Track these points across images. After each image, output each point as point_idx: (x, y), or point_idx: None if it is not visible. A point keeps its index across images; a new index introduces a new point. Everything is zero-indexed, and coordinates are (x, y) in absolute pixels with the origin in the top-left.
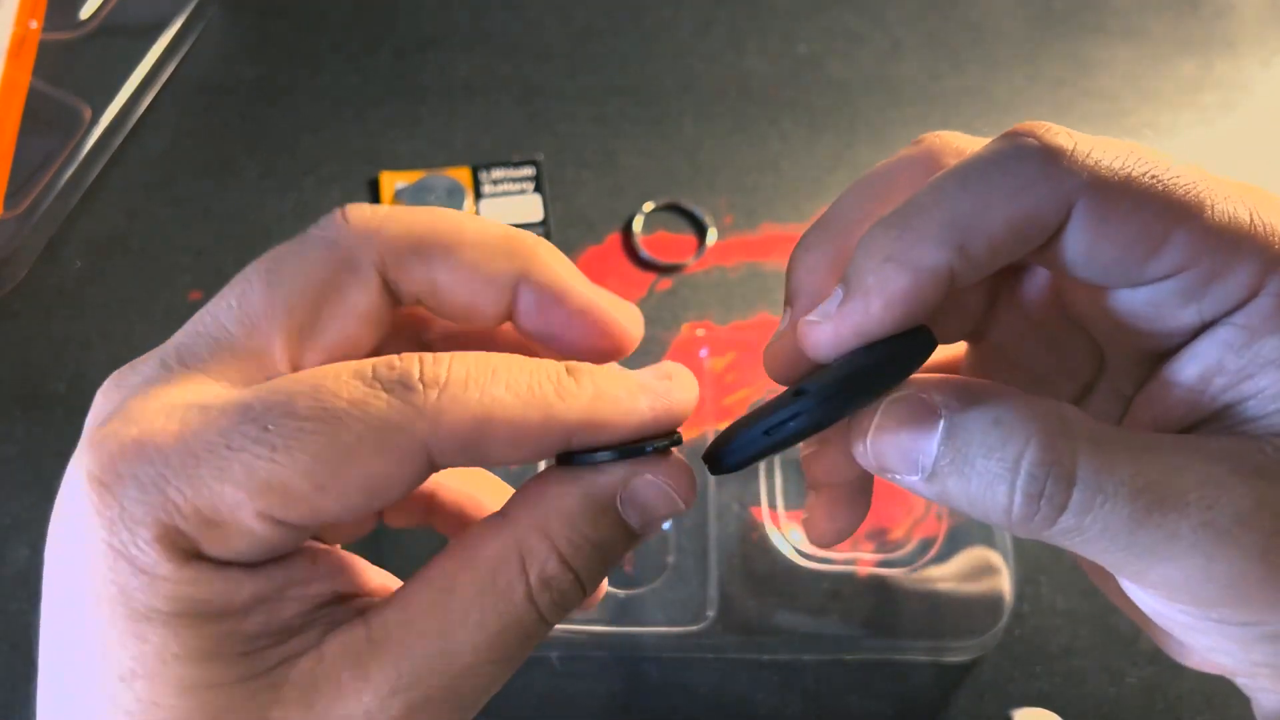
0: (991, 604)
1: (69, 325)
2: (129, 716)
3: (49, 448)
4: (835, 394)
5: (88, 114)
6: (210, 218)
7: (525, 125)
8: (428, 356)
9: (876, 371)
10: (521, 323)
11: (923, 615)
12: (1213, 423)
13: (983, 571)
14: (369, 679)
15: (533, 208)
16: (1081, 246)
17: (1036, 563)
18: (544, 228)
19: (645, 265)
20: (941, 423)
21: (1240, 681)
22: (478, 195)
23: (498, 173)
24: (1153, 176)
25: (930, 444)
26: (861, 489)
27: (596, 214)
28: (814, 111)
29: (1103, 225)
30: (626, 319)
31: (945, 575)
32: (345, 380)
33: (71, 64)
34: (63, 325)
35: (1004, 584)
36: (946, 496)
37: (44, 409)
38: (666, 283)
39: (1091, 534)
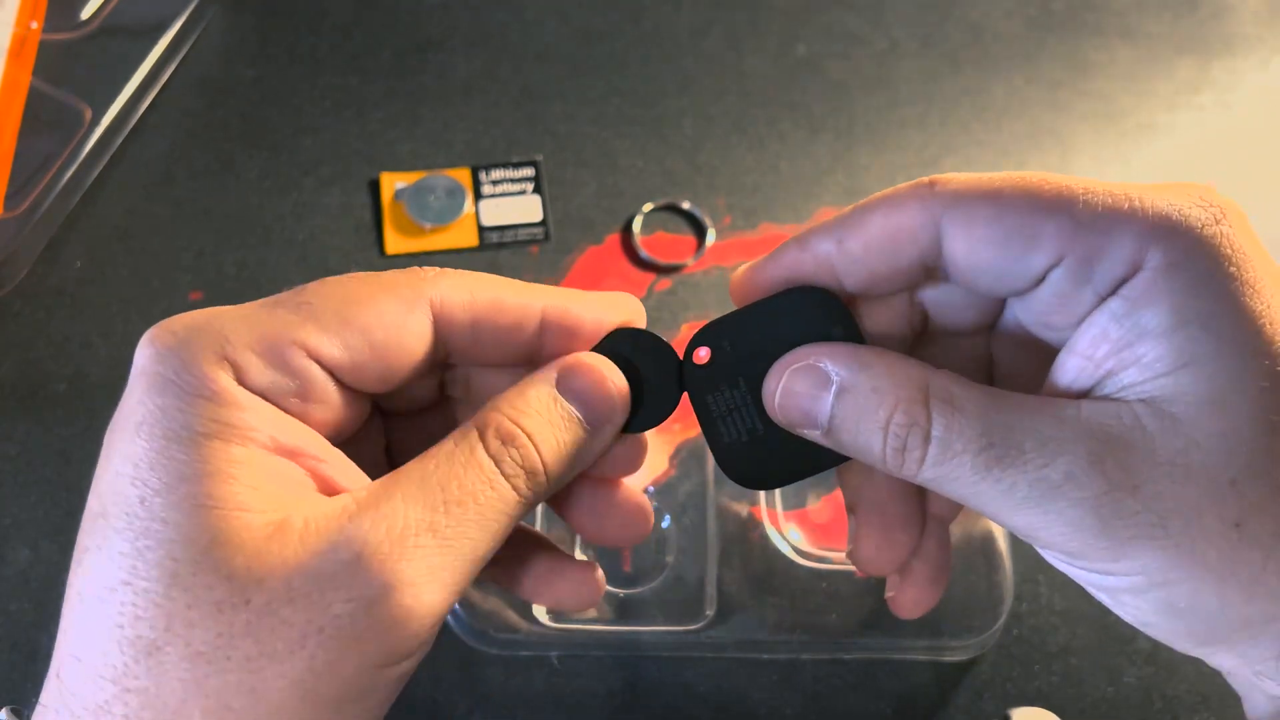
0: (990, 603)
1: (69, 325)
2: (140, 535)
3: (49, 448)
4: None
5: (88, 114)
6: (210, 218)
7: (525, 126)
8: None
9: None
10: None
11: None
12: (1098, 389)
13: (981, 571)
14: (353, 520)
15: (532, 208)
16: (960, 255)
17: (1035, 562)
18: (543, 228)
19: (644, 265)
20: (834, 387)
21: (1232, 680)
22: (477, 196)
23: (497, 173)
24: (1014, 185)
25: (825, 405)
26: (910, 512)
27: (596, 214)
28: (813, 112)
29: (970, 231)
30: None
31: None
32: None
33: (72, 64)
34: (63, 325)
35: (1002, 583)
36: (841, 446)
37: (44, 409)
38: (666, 283)
39: (948, 482)
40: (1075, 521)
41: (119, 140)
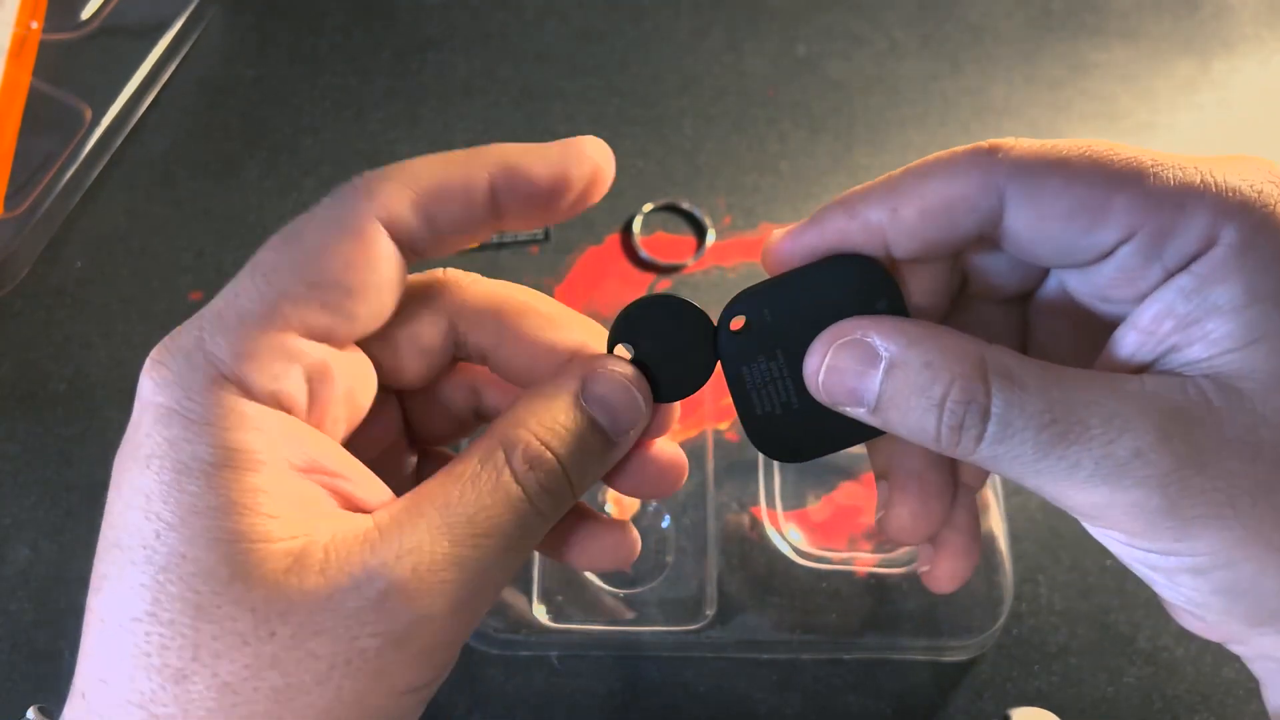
0: (990, 603)
1: (69, 325)
2: (160, 570)
3: (49, 448)
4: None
5: (88, 114)
6: (210, 218)
7: (525, 126)
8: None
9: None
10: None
11: (921, 614)
12: (1160, 363)
13: (981, 571)
14: (376, 552)
15: None
16: (1023, 226)
17: (1035, 562)
18: (543, 229)
19: (645, 266)
20: (882, 364)
21: (1256, 666)
22: None
23: None
24: (1082, 155)
25: (874, 382)
26: (944, 480)
27: (596, 214)
28: (813, 112)
29: (1035, 203)
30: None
31: None
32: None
33: (72, 64)
34: (63, 325)
35: (1002, 583)
36: (889, 425)
37: (44, 409)
38: (666, 283)
39: (1007, 461)
40: (1141, 501)
41: (119, 140)
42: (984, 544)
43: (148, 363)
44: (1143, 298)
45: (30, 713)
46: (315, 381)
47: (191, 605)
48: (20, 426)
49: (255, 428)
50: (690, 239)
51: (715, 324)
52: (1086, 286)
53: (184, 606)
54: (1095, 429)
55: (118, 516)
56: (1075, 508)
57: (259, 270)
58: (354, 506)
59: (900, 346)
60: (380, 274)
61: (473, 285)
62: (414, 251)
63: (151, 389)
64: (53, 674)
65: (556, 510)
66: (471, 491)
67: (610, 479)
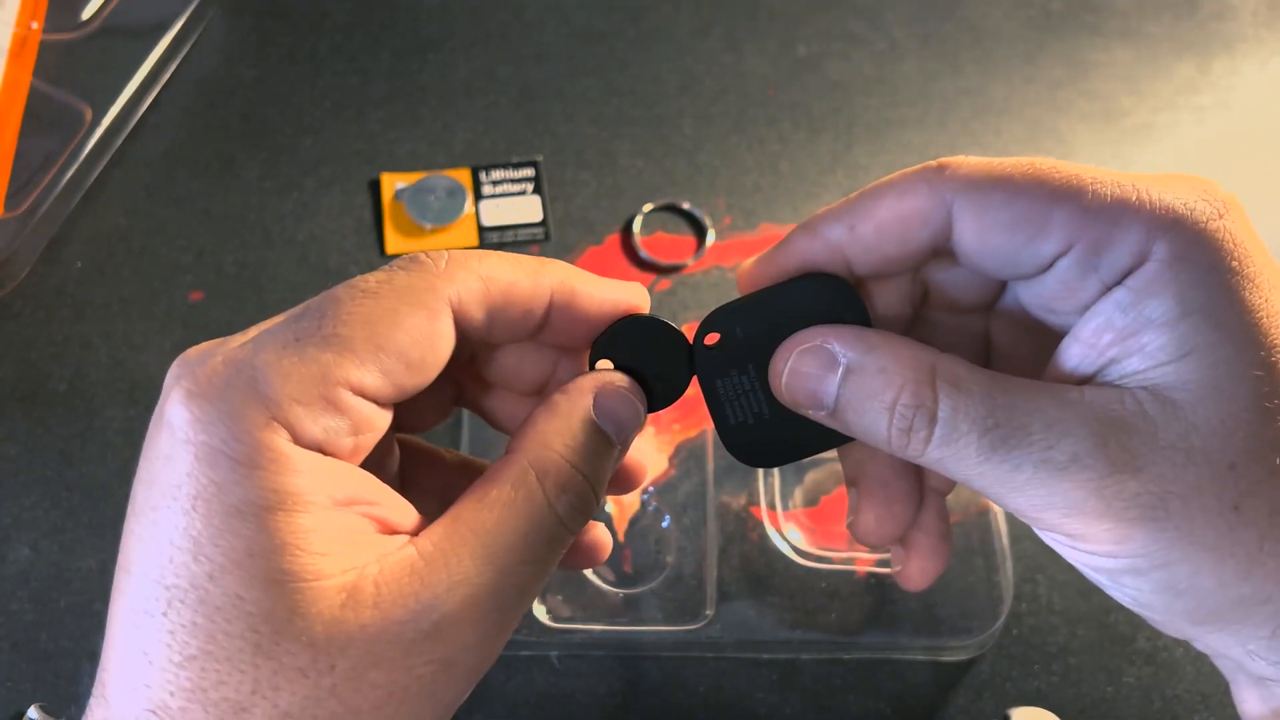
0: (989, 603)
1: (69, 325)
2: (216, 610)
3: (50, 448)
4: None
5: (89, 114)
6: (210, 218)
7: (525, 126)
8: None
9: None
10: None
11: (920, 614)
12: (1100, 375)
13: (981, 571)
14: (426, 584)
15: (532, 209)
16: (970, 238)
17: (1034, 562)
18: (543, 228)
19: (645, 266)
20: (840, 369)
21: (1219, 663)
22: (477, 196)
23: (497, 174)
24: (1025, 172)
25: (832, 386)
26: (909, 486)
27: (596, 215)
28: (812, 113)
29: (980, 216)
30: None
31: (943, 575)
32: (366, 275)
33: (72, 64)
34: (63, 325)
35: (1002, 583)
36: (846, 427)
37: (45, 409)
38: (666, 283)
39: (953, 463)
40: (1079, 503)
41: (119, 140)
42: (984, 544)
43: (182, 391)
44: (1084, 309)
45: (32, 711)
46: (359, 433)
47: (250, 644)
48: (20, 426)
49: (303, 471)
50: (690, 239)
51: (690, 341)
52: (1034, 298)
53: (243, 645)
54: (1036, 434)
55: (159, 555)
56: (1019, 509)
57: (329, 317)
58: (389, 529)
59: (857, 353)
60: (439, 355)
61: (468, 287)
62: (465, 342)
63: (192, 425)
64: (53, 674)
65: (583, 525)
66: (510, 519)
67: None
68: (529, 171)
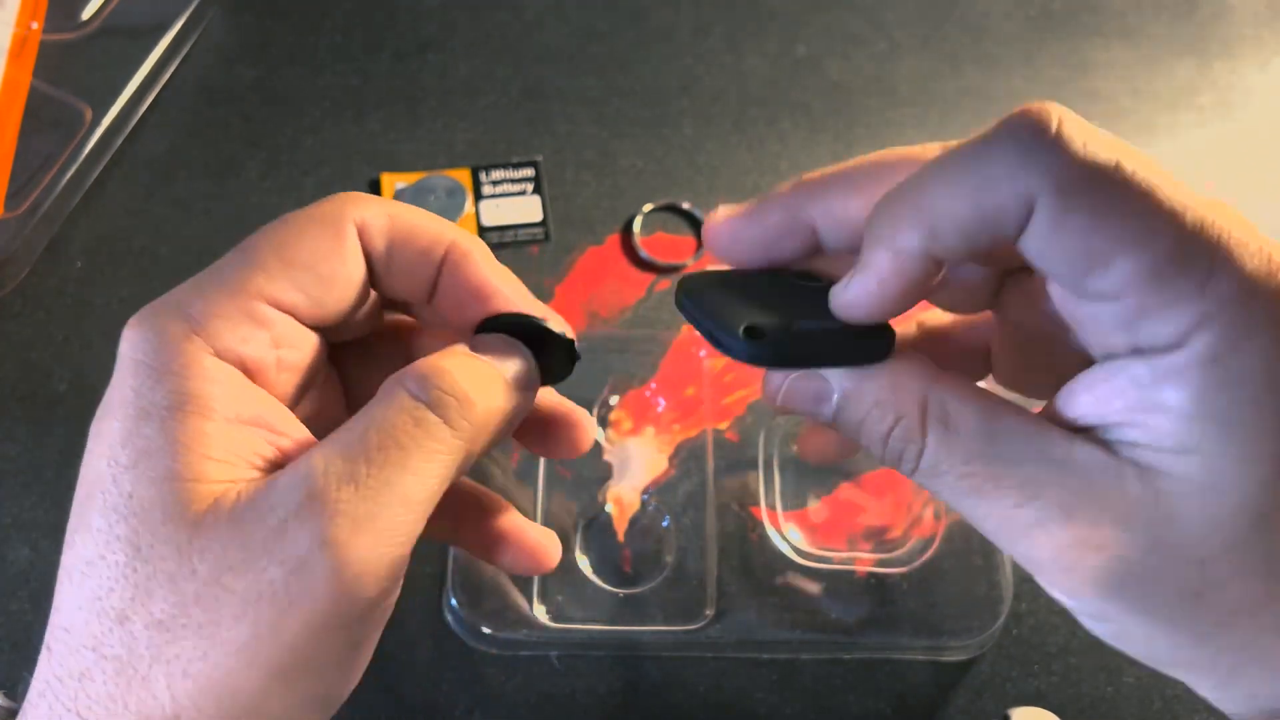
0: (989, 603)
1: (69, 325)
2: (112, 511)
3: (50, 448)
4: (778, 360)
5: (89, 114)
6: (210, 218)
7: (525, 126)
8: None
9: (824, 359)
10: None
11: (920, 614)
12: (1101, 432)
13: (980, 571)
14: (277, 486)
15: (532, 209)
16: (1038, 243)
17: None
18: (543, 228)
19: (644, 266)
20: (835, 397)
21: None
22: (477, 196)
23: (497, 174)
24: (1121, 188)
25: (828, 409)
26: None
27: (596, 215)
28: (812, 113)
29: (1055, 232)
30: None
31: (943, 574)
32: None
33: (72, 64)
34: (63, 325)
35: (1002, 583)
36: (844, 434)
37: (45, 409)
38: (666, 283)
39: (935, 489)
40: (1036, 560)
41: (119, 140)
42: (983, 544)
43: (128, 323)
44: (1107, 355)
45: None
46: (280, 345)
47: (132, 546)
48: (21, 426)
49: (213, 379)
50: (690, 239)
51: (571, 342)
52: (1066, 304)
53: (125, 547)
54: (1009, 489)
55: (86, 467)
56: (984, 532)
57: (242, 248)
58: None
59: (853, 383)
60: (348, 269)
61: (373, 215)
62: (373, 275)
63: (128, 346)
64: None
65: (467, 421)
66: (365, 414)
67: (521, 436)
68: (529, 171)
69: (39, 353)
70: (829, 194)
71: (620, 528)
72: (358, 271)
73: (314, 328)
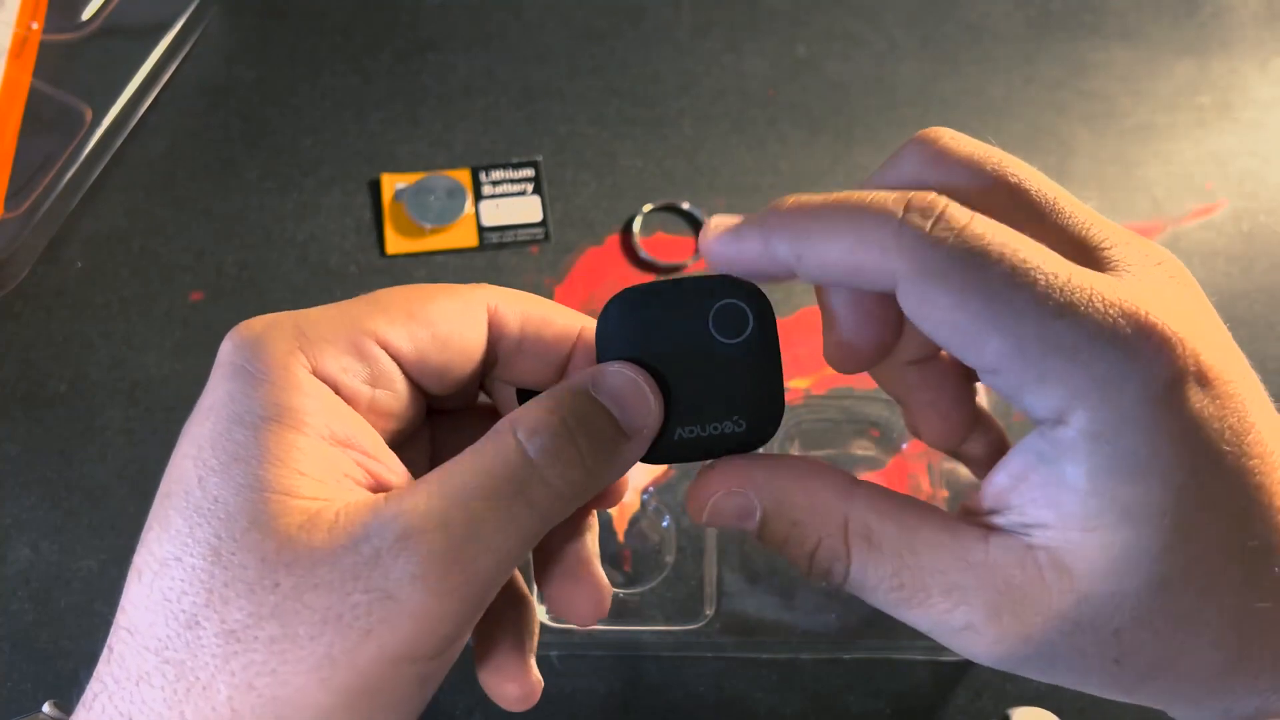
0: None
1: (69, 325)
2: (195, 512)
3: (50, 448)
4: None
5: (89, 115)
6: (210, 218)
7: (525, 127)
8: None
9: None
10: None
11: None
12: (1018, 513)
13: None
14: (376, 515)
15: (532, 209)
16: (910, 309)
17: None
18: (543, 229)
19: (644, 266)
20: (758, 514)
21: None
22: (477, 197)
23: (497, 174)
24: (983, 272)
25: (753, 523)
26: (957, 393)
27: (596, 215)
28: (812, 113)
29: (921, 307)
30: None
31: None
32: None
33: (73, 65)
34: (63, 325)
35: None
36: (767, 546)
37: (45, 409)
38: None
39: (865, 599)
40: (971, 653)
41: (119, 140)
42: None
43: (232, 329)
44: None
45: (46, 707)
46: (376, 384)
47: (212, 550)
48: (20, 426)
49: (309, 394)
50: (690, 239)
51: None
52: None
53: (205, 551)
54: (935, 597)
55: (173, 466)
56: (921, 631)
57: (372, 294)
58: (380, 486)
59: (771, 502)
60: (467, 337)
61: (507, 301)
62: (494, 357)
63: (228, 350)
64: (53, 674)
65: (566, 482)
66: (470, 458)
67: (543, 585)
68: (529, 172)
69: (39, 353)
70: (795, 235)
71: (620, 528)
72: (476, 342)
73: (416, 382)
